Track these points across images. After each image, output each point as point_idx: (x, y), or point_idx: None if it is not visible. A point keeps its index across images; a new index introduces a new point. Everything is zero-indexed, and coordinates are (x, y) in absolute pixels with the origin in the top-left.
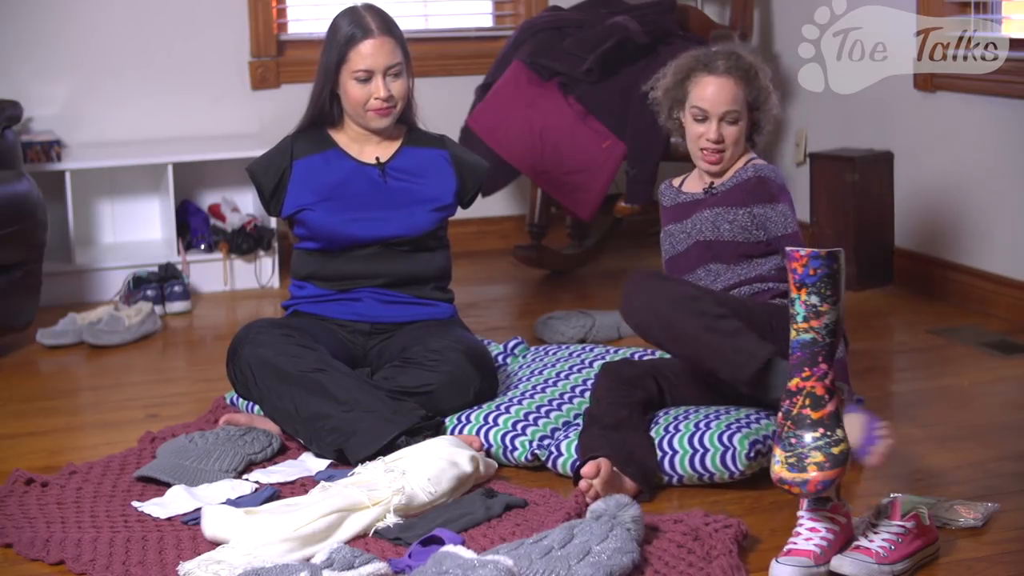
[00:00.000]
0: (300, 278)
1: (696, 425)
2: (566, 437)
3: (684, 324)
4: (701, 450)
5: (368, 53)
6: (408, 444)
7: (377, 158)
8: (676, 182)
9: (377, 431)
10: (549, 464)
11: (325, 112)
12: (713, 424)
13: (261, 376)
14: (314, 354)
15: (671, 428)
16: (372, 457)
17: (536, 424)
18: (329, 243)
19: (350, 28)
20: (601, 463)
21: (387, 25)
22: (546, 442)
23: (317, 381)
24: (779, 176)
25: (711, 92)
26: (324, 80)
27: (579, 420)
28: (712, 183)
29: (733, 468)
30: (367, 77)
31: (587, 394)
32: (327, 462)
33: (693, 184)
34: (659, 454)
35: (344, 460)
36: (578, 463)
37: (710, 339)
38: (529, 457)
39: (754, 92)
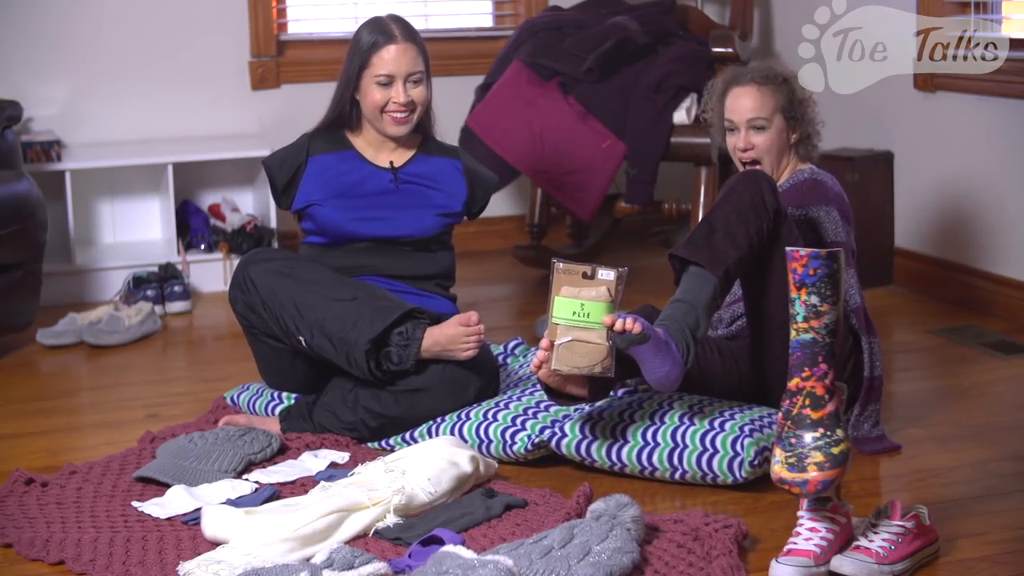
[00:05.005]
0: None
1: (711, 423)
2: (569, 418)
3: None
4: (711, 450)
5: (390, 58)
6: (413, 333)
7: (391, 163)
8: None
9: (383, 312)
10: (553, 444)
11: (345, 115)
12: (728, 426)
13: (263, 283)
14: (316, 266)
15: (684, 419)
16: (376, 378)
17: (536, 418)
18: (335, 239)
19: (373, 35)
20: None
21: (410, 33)
22: (547, 431)
23: (319, 283)
24: (836, 184)
25: (736, 102)
26: (346, 85)
27: (578, 412)
28: None
29: (738, 474)
30: (388, 81)
31: None
32: (327, 462)
33: None
34: (670, 445)
35: (348, 365)
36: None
37: None
38: (529, 447)
39: (785, 99)
